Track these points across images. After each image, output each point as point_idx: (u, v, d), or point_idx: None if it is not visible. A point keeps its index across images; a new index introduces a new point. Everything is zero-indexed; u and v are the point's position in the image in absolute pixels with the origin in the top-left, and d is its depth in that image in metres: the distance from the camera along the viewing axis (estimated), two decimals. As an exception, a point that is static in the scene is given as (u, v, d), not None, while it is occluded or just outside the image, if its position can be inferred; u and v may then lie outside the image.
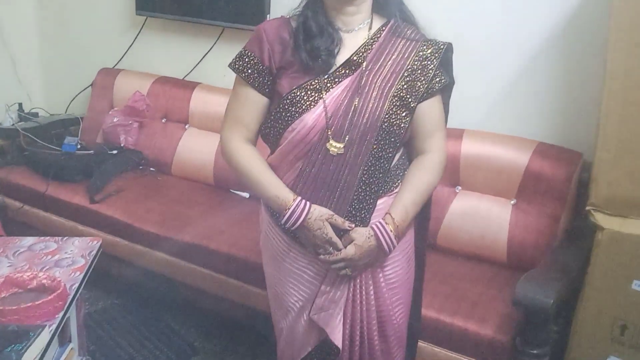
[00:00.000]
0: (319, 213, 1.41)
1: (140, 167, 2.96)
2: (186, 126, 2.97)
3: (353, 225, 1.43)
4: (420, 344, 1.88)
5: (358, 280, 1.48)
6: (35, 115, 3.31)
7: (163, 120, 3.03)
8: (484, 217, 2.24)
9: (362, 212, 1.44)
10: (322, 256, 1.43)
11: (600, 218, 1.79)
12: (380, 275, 1.50)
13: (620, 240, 1.75)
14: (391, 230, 1.43)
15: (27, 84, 3.47)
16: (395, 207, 1.45)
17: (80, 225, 2.62)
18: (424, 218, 1.62)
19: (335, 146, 1.40)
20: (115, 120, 2.99)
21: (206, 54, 3.02)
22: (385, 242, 1.43)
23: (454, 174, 2.31)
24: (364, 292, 1.49)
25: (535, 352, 1.75)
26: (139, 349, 2.44)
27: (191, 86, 2.99)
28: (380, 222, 1.43)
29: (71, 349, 2.10)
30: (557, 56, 2.24)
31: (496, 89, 2.36)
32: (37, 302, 1.68)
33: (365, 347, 1.51)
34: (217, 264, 2.29)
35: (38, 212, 2.74)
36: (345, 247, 1.42)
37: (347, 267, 1.43)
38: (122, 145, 2.96)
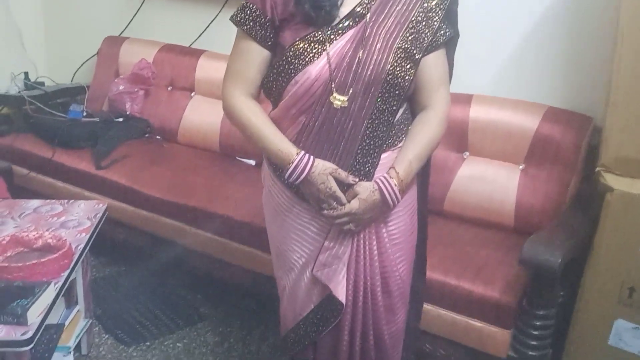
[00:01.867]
0: (322, 167, 1.39)
1: (146, 135, 2.95)
2: (192, 94, 2.96)
3: (357, 180, 1.41)
4: (426, 306, 1.87)
5: (362, 236, 1.47)
6: (41, 84, 3.31)
7: (169, 88, 3.01)
8: (491, 182, 2.21)
9: (366, 166, 1.43)
10: (325, 211, 1.42)
11: (610, 179, 1.76)
12: (384, 230, 1.48)
13: (630, 202, 1.71)
14: (395, 185, 1.41)
15: (33, 54, 3.45)
16: (399, 162, 1.43)
17: (87, 191, 2.62)
18: (424, 177, 1.59)
19: (339, 99, 1.38)
20: (120, 88, 2.98)
21: (212, 21, 2.99)
22: (390, 196, 1.41)
23: (461, 140, 2.28)
24: (367, 248, 1.47)
25: (541, 313, 1.74)
26: (146, 314, 2.45)
27: (197, 54, 2.96)
28: (384, 176, 1.41)
29: (78, 311, 2.12)
30: (567, 18, 2.19)
31: (505, 53, 2.32)
32: (42, 260, 1.70)
33: (368, 303, 1.50)
34: (223, 228, 2.28)
35: (44, 178, 2.74)
36: (349, 201, 1.41)
37: (351, 222, 1.42)
38: (127, 113, 2.95)
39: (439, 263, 1.91)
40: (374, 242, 1.48)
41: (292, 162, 1.38)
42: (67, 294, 2.11)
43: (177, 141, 2.93)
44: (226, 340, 2.33)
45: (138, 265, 2.75)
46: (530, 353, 1.77)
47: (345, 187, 1.42)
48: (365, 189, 1.41)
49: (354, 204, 1.40)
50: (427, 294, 1.83)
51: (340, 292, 1.48)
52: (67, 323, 2.00)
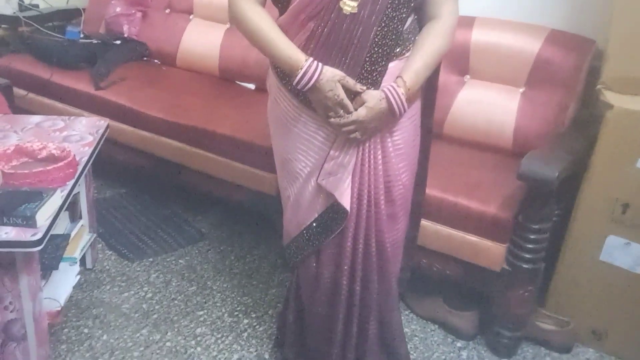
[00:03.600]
0: (331, 74, 1.39)
1: (144, 58, 2.93)
2: (190, 17, 2.91)
3: (365, 88, 1.42)
4: (423, 222, 1.91)
5: (367, 145, 1.49)
6: (36, 6, 3.23)
7: (167, 11, 2.97)
8: (491, 105, 2.23)
9: (374, 74, 1.43)
10: (332, 119, 1.43)
11: (609, 96, 1.79)
12: (389, 140, 1.50)
13: (629, 118, 1.75)
14: (402, 93, 1.42)
15: (26, -26, 3.36)
16: (406, 71, 1.44)
17: (86, 112, 2.61)
18: (431, 89, 1.60)
19: (348, 5, 1.37)
20: (117, 10, 2.93)
21: (211, -59, 2.91)
22: (397, 105, 1.42)
23: (463, 63, 2.29)
24: (372, 157, 1.50)
25: (536, 227, 1.79)
26: (148, 232, 2.50)
27: (195, -25, 2.90)
28: (392, 85, 1.42)
29: (82, 225, 2.16)
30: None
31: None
32: (48, 168, 1.71)
33: (372, 211, 1.54)
34: (223, 148, 2.30)
35: (43, 99, 2.73)
36: (356, 109, 1.42)
37: (357, 130, 1.43)
38: (125, 35, 2.91)
39: (437, 181, 1.93)
40: (379, 151, 1.50)
41: (301, 69, 1.39)
42: (71, 209, 2.14)
43: (175, 65, 2.91)
44: (227, 257, 2.39)
45: (139, 186, 2.78)
46: (523, 266, 1.83)
47: (352, 95, 1.43)
48: (373, 97, 1.42)
49: (361, 112, 1.42)
50: (425, 209, 1.88)
51: (345, 200, 1.51)
52: (72, 235, 2.03)
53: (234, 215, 2.59)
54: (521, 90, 2.20)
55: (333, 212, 1.55)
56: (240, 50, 2.72)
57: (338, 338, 1.65)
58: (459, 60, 2.28)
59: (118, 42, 2.88)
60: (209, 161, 2.35)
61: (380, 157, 1.51)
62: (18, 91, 2.76)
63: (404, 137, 1.53)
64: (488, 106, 2.24)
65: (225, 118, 2.36)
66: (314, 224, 1.59)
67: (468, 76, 2.30)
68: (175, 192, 2.68)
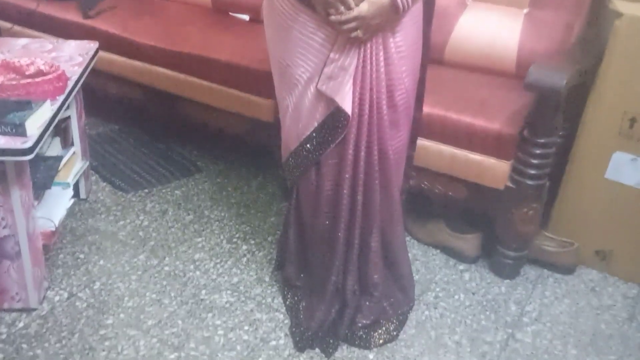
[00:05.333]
0: (330, -34, 1.33)
1: (135, -9, 2.83)
2: (181, -54, 2.81)
3: (366, -18, 1.36)
4: (426, 142, 1.88)
5: (368, 46, 1.43)
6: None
7: (156, -59, 2.85)
8: (494, 28, 2.15)
9: (375, -32, 1.37)
10: (332, 17, 1.37)
11: (619, 4, 1.72)
12: (391, 40, 1.44)
13: (639, 27, 1.69)
14: (406, -13, 1.36)
15: None
16: (410, -36, 1.37)
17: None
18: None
19: None
20: (105, -60, 2.81)
21: None
22: (400, -1, 1.36)
23: (464, -15, 2.22)
24: (374, 59, 1.44)
25: (542, 141, 1.75)
26: (142, 166, 2.44)
27: None
28: (394, -21, 1.36)
29: (74, 152, 2.10)
30: None
31: None
32: (37, 80, 1.65)
33: (374, 117, 1.49)
34: (218, 74, 2.22)
35: (30, 32, 2.63)
36: (358, 5, 1.36)
37: (358, 27, 1.37)
38: (114, -34, 2.80)
39: (439, 100, 1.88)
40: (381, 52, 1.45)
41: (300, -40, 1.32)
42: (63, 135, 2.08)
43: (166, -2, 2.81)
44: (224, 189, 2.34)
45: (132, 122, 2.71)
46: (528, 182, 1.79)
47: (353, -8, 1.36)
48: (375, -9, 1.36)
49: (363, 7, 1.36)
50: (427, 130, 1.83)
51: (347, 104, 1.46)
52: (64, 160, 1.98)
53: (230, 147, 2.53)
54: (525, 11, 2.13)
55: (334, 120, 1.50)
56: (233, -20, 2.63)
57: (340, 251, 1.61)
58: (461, -18, 2.21)
59: (106, -28, 2.77)
60: (204, 90, 2.28)
61: (382, 58, 1.45)
62: (3, 24, 2.68)
63: (406, 38, 1.47)
64: (491, 29, 2.16)
65: (221, 45, 2.29)
66: (314, 134, 1.54)
67: (470, -1, 2.23)
68: (170, 125, 2.61)
